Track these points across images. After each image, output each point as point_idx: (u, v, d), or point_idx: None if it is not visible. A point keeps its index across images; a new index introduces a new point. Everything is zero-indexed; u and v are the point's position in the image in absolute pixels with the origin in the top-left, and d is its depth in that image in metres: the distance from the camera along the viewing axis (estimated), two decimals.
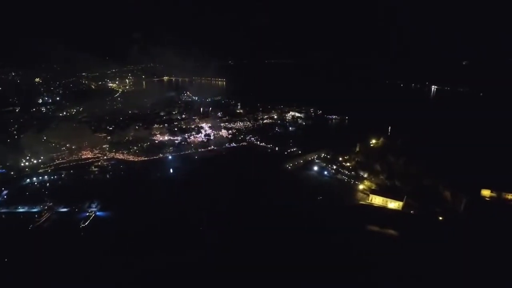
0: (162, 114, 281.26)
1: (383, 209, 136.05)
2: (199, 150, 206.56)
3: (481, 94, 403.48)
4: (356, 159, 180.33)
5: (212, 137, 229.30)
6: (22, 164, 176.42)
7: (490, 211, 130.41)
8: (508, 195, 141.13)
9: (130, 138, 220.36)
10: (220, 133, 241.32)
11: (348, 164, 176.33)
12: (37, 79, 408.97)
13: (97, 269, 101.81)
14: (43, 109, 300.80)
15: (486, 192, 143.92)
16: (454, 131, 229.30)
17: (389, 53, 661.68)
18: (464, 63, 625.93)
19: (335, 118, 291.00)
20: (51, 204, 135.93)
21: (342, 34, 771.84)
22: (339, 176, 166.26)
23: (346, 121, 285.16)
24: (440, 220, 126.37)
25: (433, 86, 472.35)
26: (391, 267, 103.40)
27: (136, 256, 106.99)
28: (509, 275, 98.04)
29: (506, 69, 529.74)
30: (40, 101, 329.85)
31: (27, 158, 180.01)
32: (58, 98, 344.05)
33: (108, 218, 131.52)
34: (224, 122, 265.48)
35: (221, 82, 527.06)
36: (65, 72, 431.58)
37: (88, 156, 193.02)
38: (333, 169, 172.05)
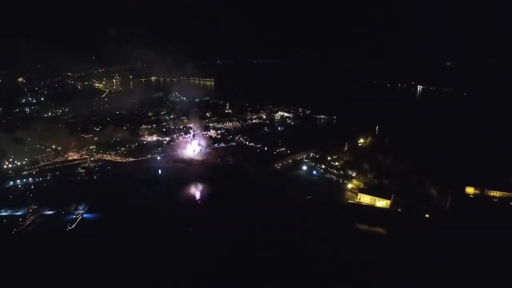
0: (150, 114, 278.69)
1: (371, 208, 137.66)
2: (188, 150, 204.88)
3: (465, 94, 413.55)
4: (345, 158, 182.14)
5: (200, 138, 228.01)
6: (5, 166, 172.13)
7: (474, 208, 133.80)
8: (491, 192, 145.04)
9: (118, 139, 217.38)
10: (209, 133, 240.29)
11: (336, 163, 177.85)
12: (20, 79, 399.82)
13: (85, 272, 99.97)
14: (27, 109, 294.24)
15: (470, 190, 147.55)
16: (439, 130, 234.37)
17: (376, 53, 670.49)
18: (448, 64, 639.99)
19: (323, 118, 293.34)
20: (35, 207, 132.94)
21: (330, 35, 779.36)
22: (327, 175, 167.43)
23: (335, 120, 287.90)
24: (427, 217, 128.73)
25: (419, 86, 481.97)
26: (379, 265, 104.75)
27: (124, 259, 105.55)
28: (494, 270, 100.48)
29: (489, 69, 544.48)
30: (24, 101, 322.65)
31: (11, 160, 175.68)
32: (42, 99, 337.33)
33: (96, 220, 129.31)
34: (213, 122, 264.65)
35: (209, 82, 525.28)
36: (50, 71, 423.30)
37: (75, 157, 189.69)
38: (321, 168, 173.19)
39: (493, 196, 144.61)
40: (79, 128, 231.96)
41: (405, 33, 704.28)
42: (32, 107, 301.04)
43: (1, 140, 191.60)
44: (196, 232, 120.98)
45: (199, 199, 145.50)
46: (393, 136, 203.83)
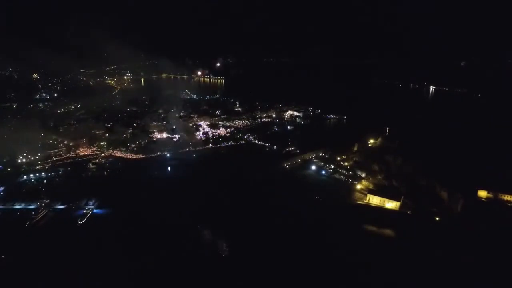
0: (160, 111, 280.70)
1: (380, 209, 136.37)
2: (197, 148, 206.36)
3: (479, 95, 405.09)
4: (354, 158, 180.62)
5: (210, 136, 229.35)
6: (19, 161, 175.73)
7: (486, 212, 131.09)
8: (504, 196, 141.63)
9: (128, 136, 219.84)
10: (218, 131, 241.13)
11: (346, 163, 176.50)
12: (34, 75, 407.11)
13: (94, 267, 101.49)
14: (41, 105, 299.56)
15: (482, 193, 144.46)
16: (451, 131, 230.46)
17: (388, 53, 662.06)
18: (462, 64, 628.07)
19: (333, 118, 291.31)
20: (48, 201, 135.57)
21: (341, 34, 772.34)
22: (336, 175, 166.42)
23: (344, 120, 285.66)
24: (437, 220, 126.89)
25: (431, 87, 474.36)
26: (387, 266, 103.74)
27: (133, 254, 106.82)
28: (506, 275, 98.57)
29: (505, 70, 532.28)
30: (38, 97, 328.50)
31: (24, 154, 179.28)
32: (55, 95, 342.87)
33: (106, 216, 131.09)
34: (223, 120, 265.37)
35: (219, 80, 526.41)
36: (63, 68, 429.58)
37: (86, 153, 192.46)
38: (331, 168, 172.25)
39: (506, 200, 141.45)
40: (90, 125, 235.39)
41: (418, 32, 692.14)
42: (46, 103, 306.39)
43: (15, 135, 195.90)
44: (204, 230, 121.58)
45: (207, 197, 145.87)
46: (404, 137, 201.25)
